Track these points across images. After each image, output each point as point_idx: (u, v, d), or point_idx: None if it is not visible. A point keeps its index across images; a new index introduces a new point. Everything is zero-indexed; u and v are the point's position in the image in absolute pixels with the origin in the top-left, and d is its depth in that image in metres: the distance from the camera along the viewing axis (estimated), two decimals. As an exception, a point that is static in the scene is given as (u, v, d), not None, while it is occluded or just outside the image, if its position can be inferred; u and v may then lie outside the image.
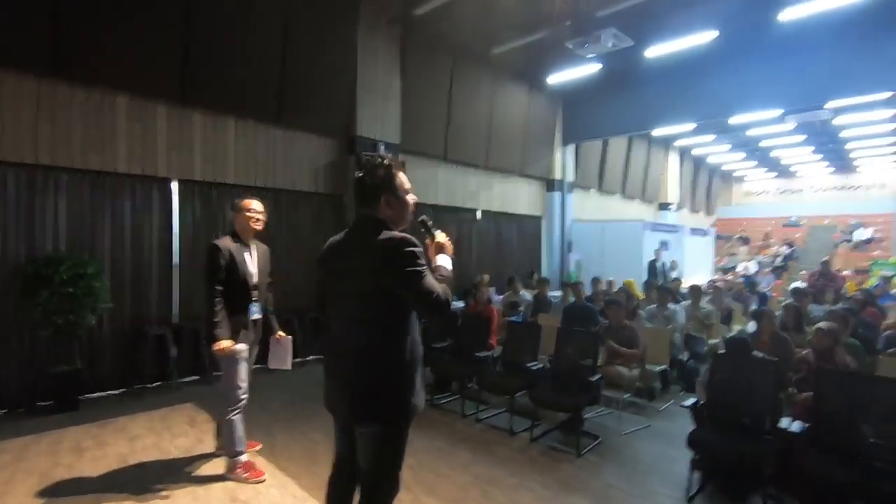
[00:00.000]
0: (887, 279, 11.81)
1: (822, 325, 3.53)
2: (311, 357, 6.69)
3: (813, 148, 17.04)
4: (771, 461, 2.86)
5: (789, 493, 2.93)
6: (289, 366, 3.49)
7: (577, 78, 9.13)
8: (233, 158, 6.11)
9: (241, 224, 3.28)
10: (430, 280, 1.71)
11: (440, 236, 1.95)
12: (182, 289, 5.64)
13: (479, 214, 9.64)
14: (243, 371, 3.20)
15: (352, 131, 7.04)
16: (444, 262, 1.88)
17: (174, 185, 5.63)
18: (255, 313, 3.28)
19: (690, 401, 3.34)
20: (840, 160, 19.03)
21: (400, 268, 1.68)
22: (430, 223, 1.99)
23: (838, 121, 12.55)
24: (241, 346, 3.16)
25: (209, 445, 3.75)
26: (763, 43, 7.82)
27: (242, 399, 3.20)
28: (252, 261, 3.27)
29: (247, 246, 3.28)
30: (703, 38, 7.43)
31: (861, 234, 17.62)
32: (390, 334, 1.77)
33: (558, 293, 8.50)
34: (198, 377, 5.69)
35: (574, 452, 3.78)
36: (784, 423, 2.96)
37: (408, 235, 1.75)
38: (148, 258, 5.44)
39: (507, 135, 9.94)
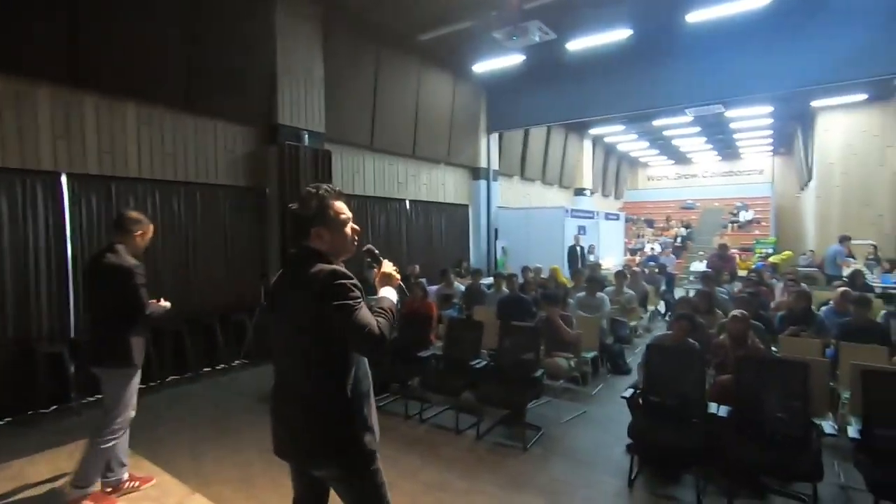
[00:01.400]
0: (766, 257, 13.41)
1: (735, 312, 3.88)
2: (236, 363, 6.24)
3: (705, 138, 18.76)
4: (700, 444, 3.11)
5: (717, 472, 3.21)
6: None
7: (501, 68, 9.21)
8: (135, 149, 5.43)
9: (132, 246, 3.02)
10: (364, 313, 1.59)
11: (387, 266, 1.85)
12: (79, 298, 4.95)
13: (407, 204, 9.49)
14: (136, 392, 3.03)
15: (273, 119, 6.55)
16: (388, 293, 1.77)
17: (63, 180, 4.90)
18: None
19: (628, 392, 3.52)
20: (727, 149, 21.15)
21: (329, 301, 1.57)
22: (376, 252, 1.89)
23: (728, 114, 13.87)
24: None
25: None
26: (672, 42, 8.35)
27: (123, 426, 2.97)
28: None
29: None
30: (619, 35, 7.81)
31: (745, 216, 19.80)
32: (331, 371, 1.66)
33: (489, 280, 8.66)
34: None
35: (520, 446, 3.87)
36: (712, 407, 3.22)
37: (338, 268, 1.65)
38: (34, 266, 4.70)
39: (433, 123, 9.84)
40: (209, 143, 6.11)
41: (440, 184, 10.54)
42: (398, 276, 1.85)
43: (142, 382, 5.02)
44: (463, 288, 7.38)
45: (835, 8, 7.03)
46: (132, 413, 3.05)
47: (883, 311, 5.30)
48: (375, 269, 1.86)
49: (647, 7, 7.53)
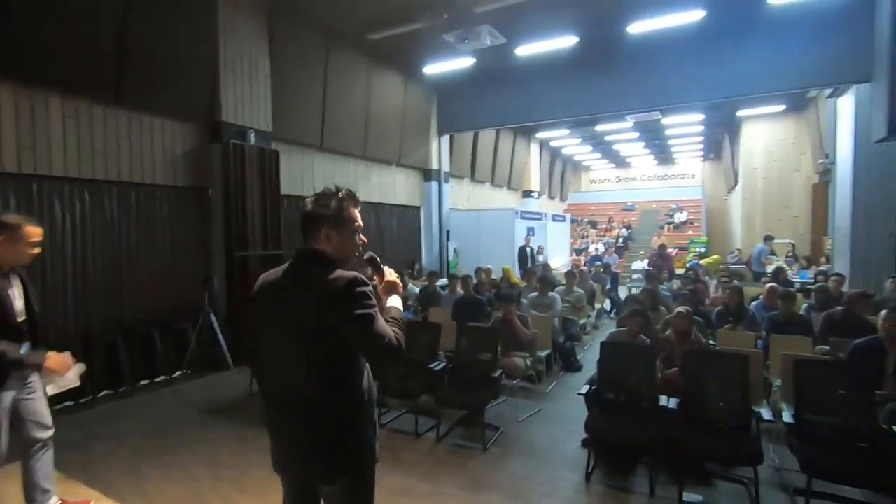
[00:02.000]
0: (700, 256, 14.31)
1: (680, 308, 4.10)
2: (177, 374, 5.88)
3: (643, 143, 19.77)
4: (652, 436, 3.26)
5: (668, 461, 3.36)
6: (76, 382, 2.88)
7: (451, 70, 9.27)
8: (60, 145, 4.99)
9: (10, 253, 2.53)
10: (382, 324, 1.55)
11: (389, 274, 1.80)
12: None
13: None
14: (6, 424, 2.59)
15: (216, 116, 6.23)
16: (395, 302, 1.74)
17: (-25, 179, 4.43)
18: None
19: (584, 389, 3.63)
20: (663, 154, 22.41)
21: (351, 310, 1.50)
22: (378, 261, 1.83)
23: (664, 121, 14.69)
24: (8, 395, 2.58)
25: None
26: (615, 51, 8.72)
27: None
28: (18, 296, 2.60)
29: (7, 278, 2.58)
30: (565, 42, 8.07)
31: (680, 217, 21.03)
32: (343, 379, 1.60)
33: (443, 282, 8.68)
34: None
35: (480, 447, 3.89)
36: (662, 400, 3.38)
37: (358, 274, 1.57)
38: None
39: (384, 124, 9.74)
40: (145, 141, 5.72)
41: (391, 185, 10.45)
42: (401, 285, 1.82)
43: (71, 399, 4.70)
44: (417, 290, 7.35)
45: (759, 27, 7.62)
46: (47, 433, 2.74)
47: (805, 305, 5.78)
48: (377, 278, 1.82)
49: (591, 17, 7.82)
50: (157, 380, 5.70)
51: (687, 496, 3.08)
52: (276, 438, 1.68)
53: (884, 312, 3.56)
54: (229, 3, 6.26)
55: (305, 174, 8.15)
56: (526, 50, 8.42)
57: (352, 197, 1.66)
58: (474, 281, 7.26)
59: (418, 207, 11.40)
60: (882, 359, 3.42)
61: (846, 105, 8.16)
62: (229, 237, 6.19)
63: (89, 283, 5.16)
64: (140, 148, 5.66)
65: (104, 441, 4.08)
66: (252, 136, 6.52)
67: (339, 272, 1.56)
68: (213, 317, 5.76)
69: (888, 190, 7.42)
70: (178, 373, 5.89)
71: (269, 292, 1.67)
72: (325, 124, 8.20)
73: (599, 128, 15.93)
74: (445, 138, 11.86)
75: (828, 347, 4.32)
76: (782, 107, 13.39)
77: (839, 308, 4.82)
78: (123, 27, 5.23)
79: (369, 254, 1.82)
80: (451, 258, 11.61)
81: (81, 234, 5.12)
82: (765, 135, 14.74)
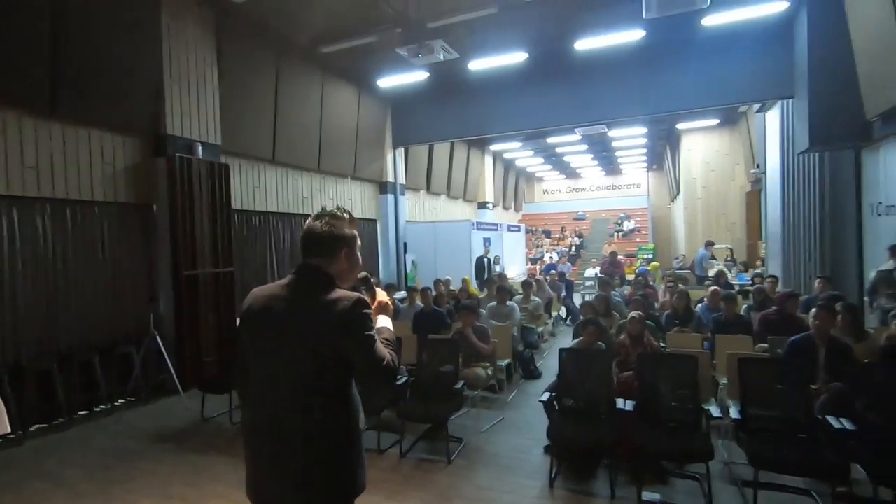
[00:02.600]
0: (648, 261, 14.94)
1: (634, 313, 4.26)
2: (120, 402, 5.51)
3: (592, 155, 20.54)
4: (610, 438, 3.35)
5: (626, 462, 3.47)
6: (6, 428, 2.73)
7: (405, 83, 9.32)
8: (-15, 160, 4.63)
9: None
10: (380, 346, 1.55)
11: (381, 295, 1.81)
12: None
13: (313, 220, 9.15)
14: None
15: (160, 129, 5.97)
16: (386, 323, 1.76)
17: None
18: None
19: (545, 396, 3.69)
20: (610, 165, 23.36)
21: (357, 331, 1.50)
22: (371, 280, 1.84)
23: (610, 133, 15.34)
24: None
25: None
26: (563, 67, 9.06)
27: None
28: None
29: None
30: (516, 58, 8.30)
31: (628, 225, 21.92)
32: (341, 403, 1.56)
33: (402, 294, 8.62)
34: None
35: (444, 460, 3.87)
36: (620, 403, 3.48)
37: (362, 295, 1.56)
38: None
39: (338, 136, 9.64)
40: (82, 155, 5.40)
41: (347, 198, 10.34)
42: (392, 307, 1.83)
43: (-2, 435, 4.30)
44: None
45: (695, 47, 8.14)
46: None
47: (745, 306, 6.14)
48: (369, 298, 1.81)
49: (541, 33, 8.10)
50: (97, 409, 5.33)
51: (645, 495, 3.18)
52: (257, 465, 1.59)
53: (814, 311, 3.85)
54: (174, 13, 6.05)
55: (257, 188, 7.93)
56: (478, 64, 8.58)
57: (354, 218, 1.71)
58: (433, 293, 7.26)
59: (375, 220, 11.32)
60: (814, 354, 3.68)
61: (773, 119, 8.83)
62: (177, 255, 5.91)
63: (18, 307, 4.78)
64: (76, 162, 5.34)
65: (38, 481, 3.76)
66: (200, 150, 6.29)
67: (343, 292, 1.56)
68: (159, 340, 5.45)
69: (812, 196, 8.08)
70: (121, 401, 5.53)
71: (268, 310, 1.60)
72: (277, 137, 8.03)
73: (550, 140, 16.42)
74: (401, 151, 11.87)
75: (766, 345, 4.61)
76: (716, 121, 14.33)
77: (773, 308, 5.16)
78: (58, 32, 4.94)
79: (363, 273, 1.80)
80: (409, 271, 11.56)
81: (10, 254, 4.74)
82: (702, 147, 15.69)
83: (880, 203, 6.44)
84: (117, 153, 5.74)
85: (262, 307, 1.61)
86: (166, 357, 5.48)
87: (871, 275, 5.94)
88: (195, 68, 6.37)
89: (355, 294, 1.55)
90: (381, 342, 1.58)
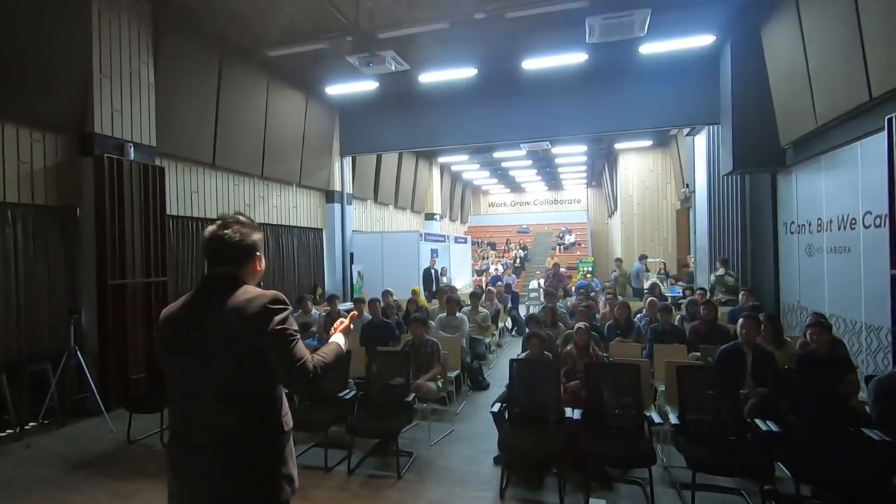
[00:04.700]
0: (589, 273, 15.55)
1: (580, 324, 4.40)
2: (31, 425, 4.97)
3: (536, 170, 21.22)
4: (558, 446, 3.42)
5: (574, 471, 3.54)
6: None
7: (354, 92, 9.23)
8: None
9: None
10: (301, 346, 1.54)
11: (344, 323, 1.90)
12: None
13: (256, 228, 8.79)
14: None
15: (87, 127, 5.53)
16: (338, 339, 1.78)
17: None
18: None
19: (496, 407, 3.71)
20: (553, 180, 24.22)
21: (273, 325, 1.49)
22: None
23: (553, 150, 15.94)
24: None
25: None
26: (510, 84, 9.33)
27: None
28: None
29: None
30: (465, 73, 8.46)
31: (569, 239, 22.74)
32: (263, 406, 1.53)
33: (347, 305, 8.44)
34: None
35: (394, 475, 3.78)
36: (567, 411, 3.57)
37: (277, 292, 1.57)
38: None
39: (284, 142, 9.36)
40: (-6, 152, 4.90)
41: (292, 206, 10.02)
42: (351, 327, 1.89)
43: None
44: (318, 315, 7.04)
45: (631, 72, 8.63)
46: None
47: (678, 316, 6.51)
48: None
49: (489, 51, 8.30)
50: (3, 434, 4.78)
51: (593, 501, 3.26)
52: (186, 482, 1.52)
53: (741, 320, 4.14)
54: (105, 7, 5.65)
55: (196, 193, 7.51)
56: (429, 77, 8.67)
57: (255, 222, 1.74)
58: (382, 304, 7.16)
59: (320, 229, 11.04)
60: (743, 361, 3.96)
61: (701, 142, 9.53)
62: (102, 263, 5.46)
63: None
64: (-13, 160, 4.83)
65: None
66: (132, 150, 5.88)
67: (258, 290, 1.59)
68: (80, 356, 4.99)
69: (735, 215, 8.77)
70: (33, 423, 5.00)
71: (179, 324, 1.55)
72: (217, 141, 7.66)
73: (496, 154, 16.80)
74: (348, 159, 11.71)
75: (698, 353, 4.90)
76: (650, 142, 15.26)
77: (700, 320, 5.50)
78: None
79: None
80: (355, 282, 11.35)
81: None
82: (637, 166, 16.64)
83: (792, 222, 7.09)
84: (36, 151, 5.25)
85: (173, 325, 1.57)
86: (87, 374, 5.02)
87: (710, 278, 8.50)
88: (128, 64, 5.97)
89: (270, 291, 1.57)
90: (321, 352, 1.63)
